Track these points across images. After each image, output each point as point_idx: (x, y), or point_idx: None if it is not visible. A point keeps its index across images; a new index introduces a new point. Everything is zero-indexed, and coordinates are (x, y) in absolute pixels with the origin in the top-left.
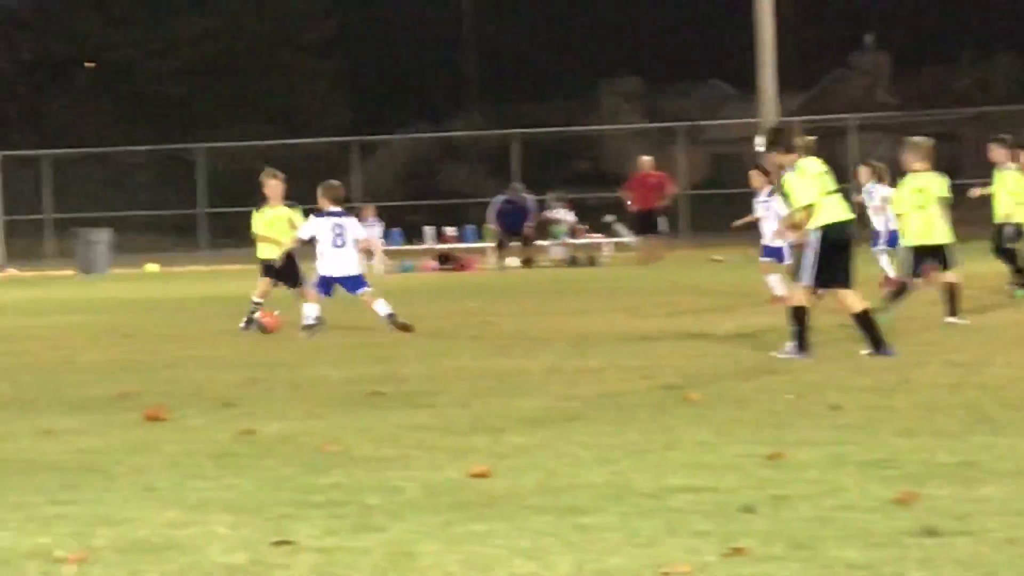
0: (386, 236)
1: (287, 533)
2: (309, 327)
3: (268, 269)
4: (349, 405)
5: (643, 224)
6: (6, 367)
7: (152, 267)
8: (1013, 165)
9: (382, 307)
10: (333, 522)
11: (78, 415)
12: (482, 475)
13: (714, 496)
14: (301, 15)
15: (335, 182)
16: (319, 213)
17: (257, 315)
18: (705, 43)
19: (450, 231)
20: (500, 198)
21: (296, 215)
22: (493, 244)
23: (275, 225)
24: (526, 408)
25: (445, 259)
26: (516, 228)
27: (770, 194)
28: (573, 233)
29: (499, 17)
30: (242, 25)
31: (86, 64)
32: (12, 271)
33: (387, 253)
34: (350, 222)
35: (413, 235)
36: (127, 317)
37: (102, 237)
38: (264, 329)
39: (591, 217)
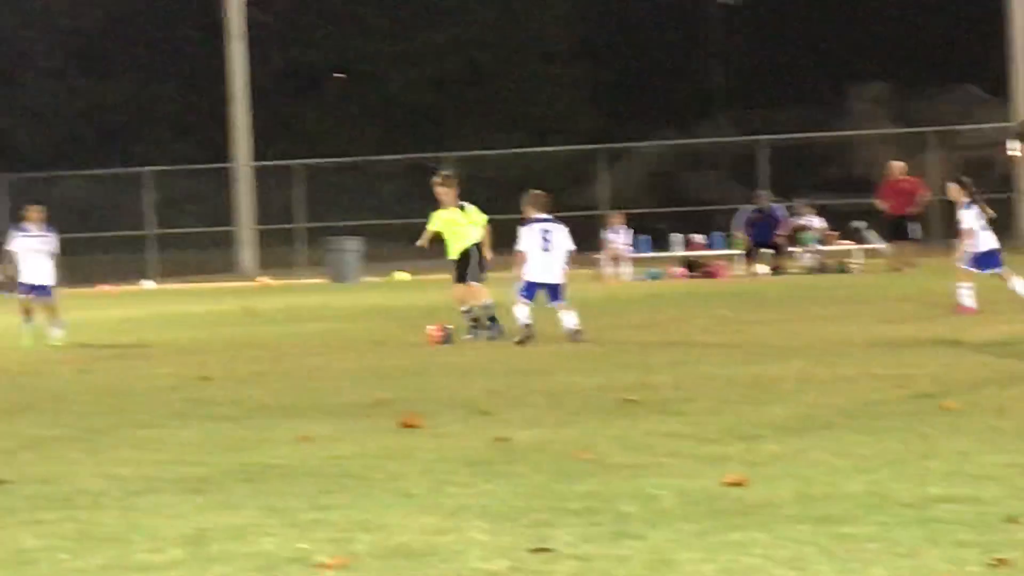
0: (633, 243)
1: (545, 540)
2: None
3: (460, 276)
4: (601, 412)
5: (895, 230)
6: (263, 374)
7: (402, 275)
8: None
9: (571, 319)
10: (590, 529)
11: (334, 421)
12: (737, 483)
13: (976, 506)
14: (548, 23)
15: (539, 191)
16: (526, 221)
17: (431, 327)
18: (955, 47)
19: (698, 238)
20: (749, 207)
21: (470, 214)
22: (742, 252)
23: (450, 226)
24: (779, 416)
25: (693, 266)
26: (765, 236)
27: (968, 205)
28: (822, 240)
29: (745, 24)
30: (489, 34)
31: (336, 75)
32: (265, 279)
33: (634, 260)
34: (558, 229)
35: (660, 242)
36: (379, 325)
37: (353, 246)
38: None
39: (840, 223)
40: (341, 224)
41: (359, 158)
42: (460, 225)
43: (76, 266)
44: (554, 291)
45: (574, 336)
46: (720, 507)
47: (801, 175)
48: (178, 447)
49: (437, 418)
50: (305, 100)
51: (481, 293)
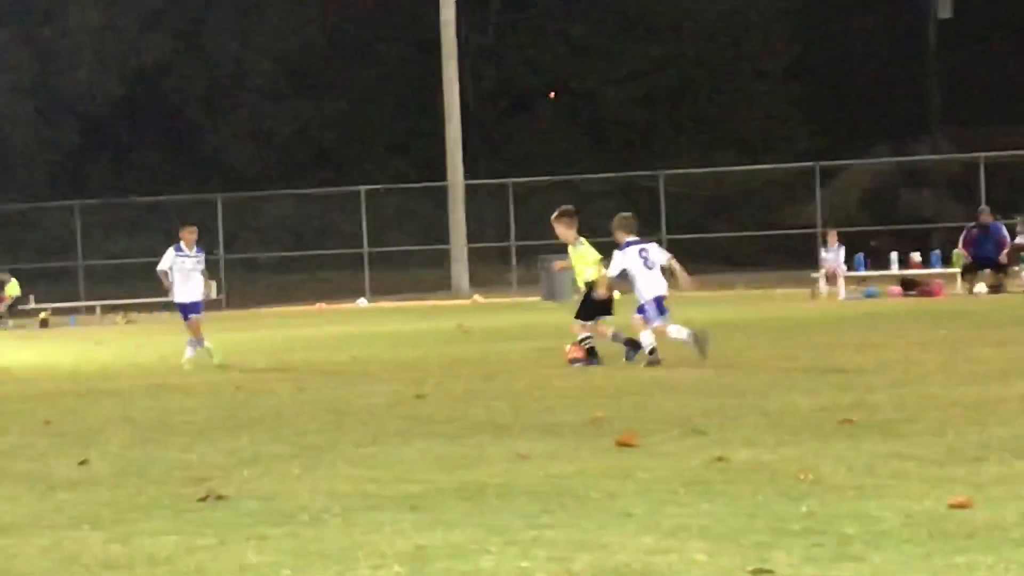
0: (848, 261)
1: (765, 561)
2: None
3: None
4: (820, 433)
5: None
6: (478, 392)
7: (616, 294)
8: None
9: (678, 331)
10: (811, 551)
11: (550, 440)
12: (962, 506)
13: None
14: (762, 41)
15: (627, 214)
16: (622, 247)
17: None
18: None
19: (915, 256)
20: (970, 225)
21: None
22: (960, 270)
23: (575, 261)
24: (1004, 437)
25: (910, 285)
26: (986, 254)
27: None
28: None
29: (963, 40)
30: (702, 52)
31: (550, 95)
32: (477, 298)
33: (849, 279)
34: (652, 247)
35: (875, 260)
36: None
37: None
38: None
39: None
40: (554, 243)
41: (571, 176)
42: (582, 261)
43: (291, 285)
44: (662, 305)
45: (651, 357)
46: (944, 529)
47: (1021, 193)
48: (396, 464)
49: (653, 437)
50: (518, 118)
51: (600, 330)
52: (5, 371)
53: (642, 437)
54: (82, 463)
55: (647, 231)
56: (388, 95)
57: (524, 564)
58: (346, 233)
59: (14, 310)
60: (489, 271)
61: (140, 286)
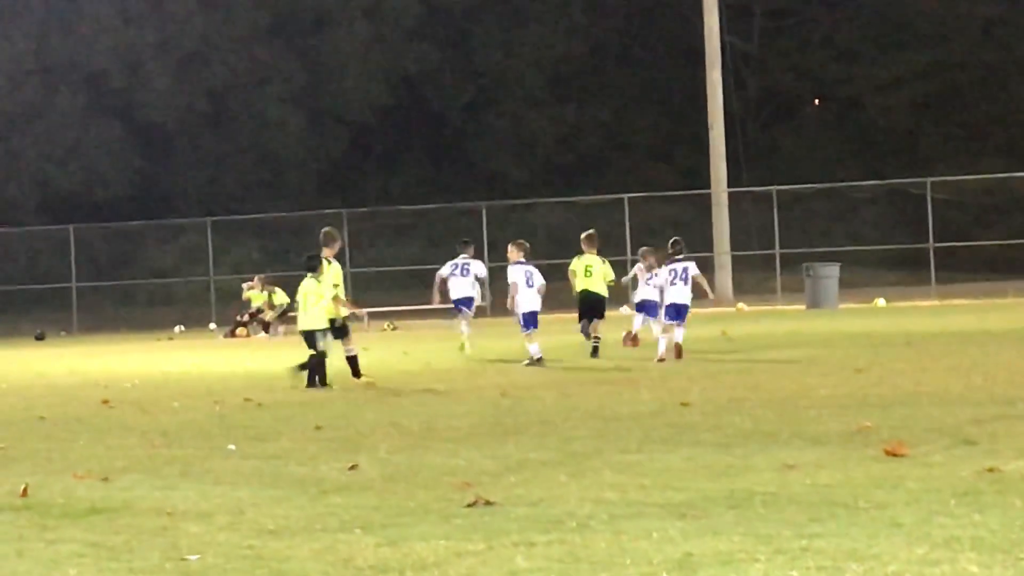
0: None
1: None
2: None
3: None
4: None
5: None
6: (742, 400)
7: (880, 302)
8: None
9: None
10: None
11: (817, 449)
12: None
13: None
14: None
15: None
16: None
17: None
18: None
19: None
20: None
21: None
22: None
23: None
24: None
25: None
26: None
27: None
28: None
29: None
30: (968, 56)
31: (814, 102)
32: (740, 306)
33: None
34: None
35: None
36: (858, 351)
37: (832, 272)
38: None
39: None
40: (818, 250)
41: (837, 183)
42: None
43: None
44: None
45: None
46: None
47: None
48: (662, 472)
49: (922, 447)
50: (782, 125)
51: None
52: (277, 378)
53: (910, 447)
54: (352, 468)
55: (916, 239)
56: (651, 102)
57: (793, 573)
58: (610, 240)
59: (284, 318)
60: (753, 279)
61: (403, 293)
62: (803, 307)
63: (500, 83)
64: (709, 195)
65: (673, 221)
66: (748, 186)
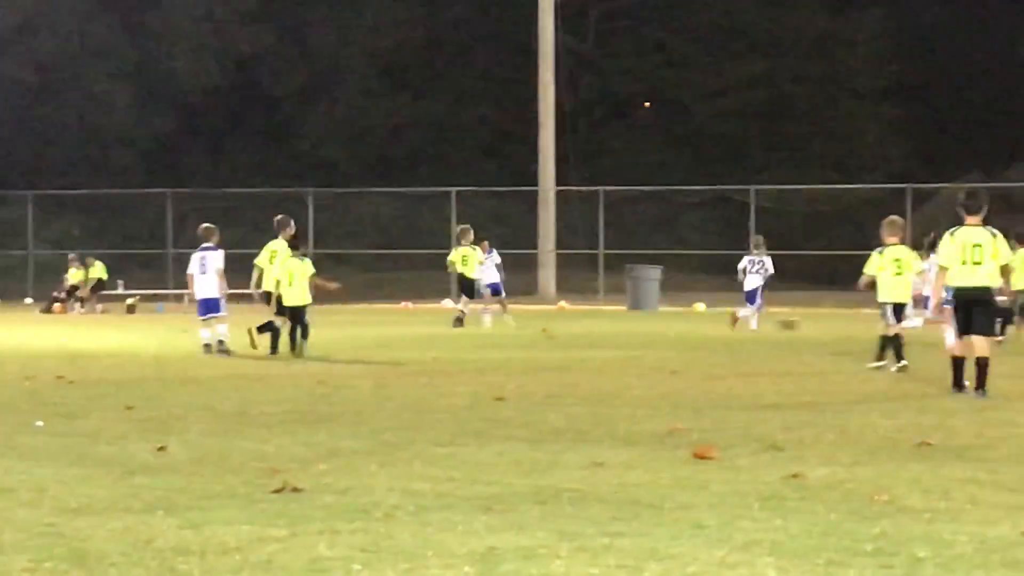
0: None
1: None
2: None
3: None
4: (897, 454)
5: None
6: (557, 397)
7: (699, 306)
8: None
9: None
10: (882, 572)
11: (627, 449)
12: None
13: None
14: (861, 61)
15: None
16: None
17: None
18: None
19: None
20: None
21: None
22: None
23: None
24: None
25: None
26: None
27: None
28: None
29: None
30: (798, 69)
31: (645, 104)
32: (563, 304)
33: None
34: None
35: None
36: (675, 354)
37: (654, 274)
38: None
39: None
40: (642, 252)
41: (663, 187)
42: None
43: (379, 283)
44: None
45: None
46: (1018, 557)
47: None
48: (472, 466)
49: (731, 450)
50: (613, 127)
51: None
52: (90, 355)
53: (719, 450)
54: (160, 449)
55: (737, 245)
56: (484, 98)
57: (593, 571)
58: (436, 233)
59: (98, 293)
60: (576, 278)
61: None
62: (624, 308)
63: (334, 70)
64: (536, 192)
65: (500, 217)
66: (576, 185)
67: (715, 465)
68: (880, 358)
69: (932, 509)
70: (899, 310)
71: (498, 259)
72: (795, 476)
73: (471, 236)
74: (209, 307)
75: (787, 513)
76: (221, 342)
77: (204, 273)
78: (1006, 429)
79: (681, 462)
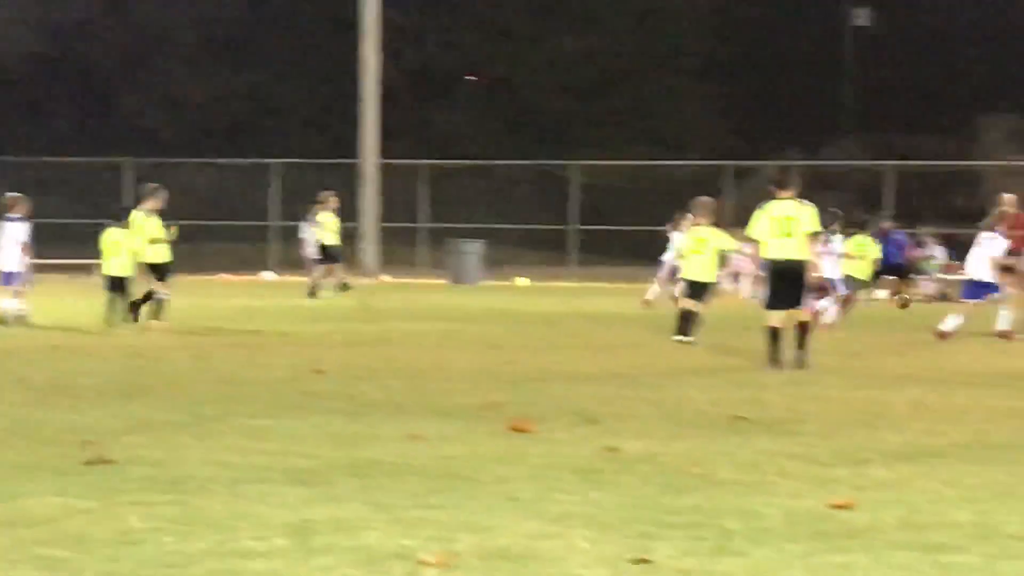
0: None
1: (647, 552)
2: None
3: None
4: (711, 428)
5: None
6: (377, 370)
7: (522, 280)
8: None
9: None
10: (693, 544)
11: (445, 421)
12: (844, 507)
13: None
14: (683, 38)
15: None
16: None
17: None
18: None
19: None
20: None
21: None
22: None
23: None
24: (890, 442)
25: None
26: (885, 261)
27: None
28: (945, 269)
29: (880, 47)
30: (623, 45)
31: (468, 77)
32: (385, 278)
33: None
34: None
35: None
36: (496, 328)
37: (475, 248)
38: None
39: (965, 254)
40: (464, 226)
41: (486, 161)
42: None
43: (198, 254)
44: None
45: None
46: (825, 529)
47: (927, 203)
48: (288, 439)
49: (548, 424)
50: (436, 101)
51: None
52: None
53: (537, 423)
54: None
55: (560, 220)
56: (307, 70)
57: (407, 542)
58: (257, 205)
59: None
60: (399, 252)
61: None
62: (446, 282)
63: (155, 39)
64: (358, 165)
65: (321, 190)
66: (399, 159)
67: (532, 438)
68: (683, 332)
69: (743, 482)
70: (700, 289)
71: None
72: (611, 449)
73: (335, 203)
74: (10, 278)
75: (602, 486)
76: (18, 313)
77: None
78: (818, 404)
79: (498, 435)
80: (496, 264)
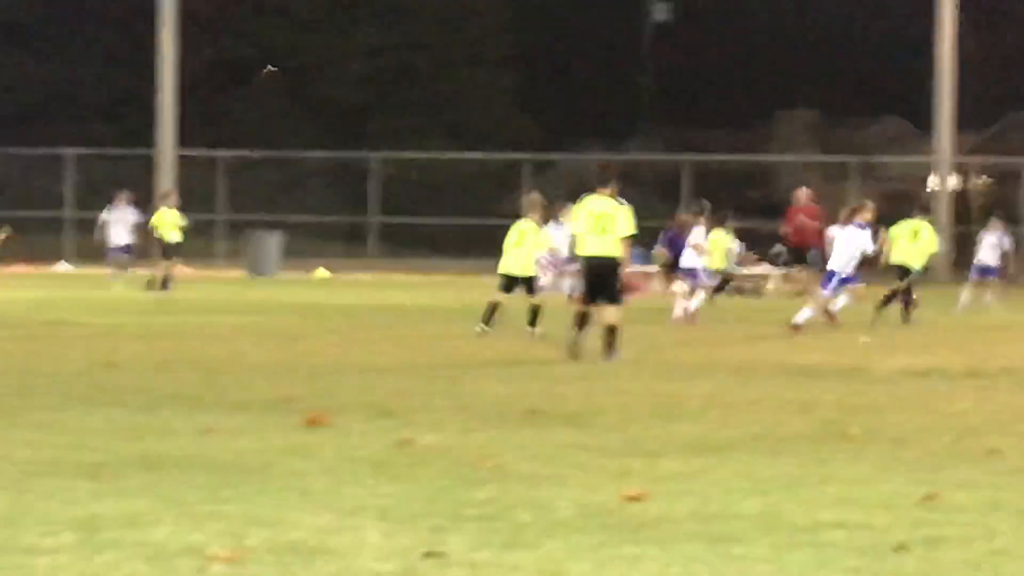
0: None
1: (439, 545)
2: None
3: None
4: (508, 421)
5: (797, 257)
6: (172, 363)
7: (322, 272)
8: None
9: None
10: (485, 536)
11: (240, 415)
12: (636, 499)
13: (867, 533)
14: (482, 30)
15: None
16: None
17: None
18: (884, 78)
19: None
20: (670, 225)
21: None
22: (660, 268)
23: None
24: (684, 434)
25: None
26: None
27: None
28: (740, 262)
29: (679, 43)
30: (423, 37)
31: (266, 68)
32: (185, 269)
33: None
34: None
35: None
36: (294, 320)
37: (273, 240)
38: None
39: (761, 247)
40: (263, 218)
41: (285, 152)
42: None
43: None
44: None
45: None
46: (617, 521)
47: (725, 196)
48: (79, 432)
49: (344, 417)
50: (235, 92)
51: None
52: None
53: (332, 416)
54: None
55: (359, 212)
56: (102, 59)
57: (196, 537)
58: (51, 196)
59: None
60: (197, 244)
61: None
62: (245, 274)
63: None
64: (155, 156)
65: (117, 181)
66: (197, 149)
67: (327, 431)
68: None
69: (538, 474)
70: (513, 282)
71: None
72: (405, 442)
73: (174, 198)
74: None
75: (395, 479)
76: None
77: None
78: (615, 396)
79: (292, 428)
80: (295, 256)
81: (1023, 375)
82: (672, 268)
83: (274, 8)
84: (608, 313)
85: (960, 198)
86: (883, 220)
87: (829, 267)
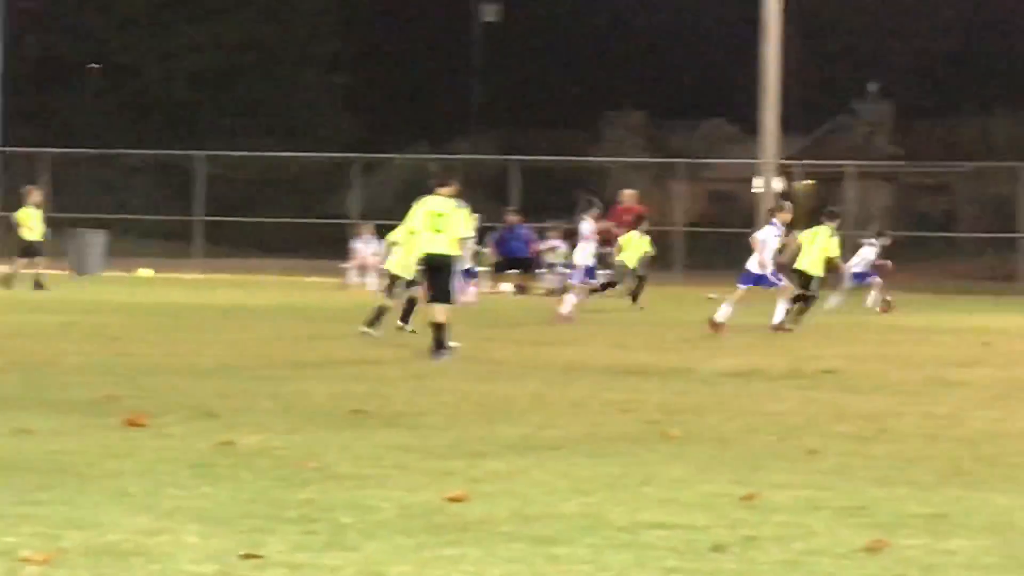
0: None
1: (257, 546)
2: None
3: None
4: (331, 421)
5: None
6: None
7: (145, 272)
8: None
9: None
10: (305, 538)
11: (58, 416)
12: (458, 499)
13: (686, 533)
14: (309, 29)
15: None
16: None
17: None
18: (710, 81)
19: None
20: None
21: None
22: (488, 269)
23: None
24: (507, 435)
25: None
26: (511, 254)
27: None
28: (567, 263)
29: (508, 44)
30: (250, 35)
31: (91, 66)
32: (3, 268)
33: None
34: None
35: None
36: (117, 320)
37: (97, 239)
38: None
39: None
40: (87, 216)
41: (109, 151)
42: None
43: None
44: None
45: None
46: (438, 522)
47: (553, 197)
48: None
49: (164, 418)
50: (59, 89)
51: None
52: None
53: (153, 417)
54: None
55: (184, 211)
56: None
57: (10, 539)
58: None
59: None
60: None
61: None
62: (67, 272)
63: None
64: None
65: None
66: (21, 147)
67: (147, 432)
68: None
69: (360, 476)
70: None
71: None
72: (227, 443)
73: (37, 197)
74: None
75: (216, 480)
76: None
77: None
78: (439, 397)
79: (112, 429)
80: (119, 255)
81: (845, 376)
82: (501, 268)
83: (99, 4)
84: (437, 311)
85: (785, 200)
86: (715, 223)
87: (747, 266)
